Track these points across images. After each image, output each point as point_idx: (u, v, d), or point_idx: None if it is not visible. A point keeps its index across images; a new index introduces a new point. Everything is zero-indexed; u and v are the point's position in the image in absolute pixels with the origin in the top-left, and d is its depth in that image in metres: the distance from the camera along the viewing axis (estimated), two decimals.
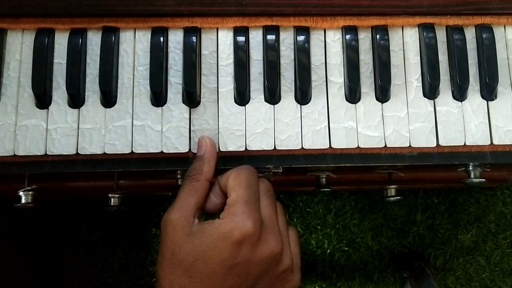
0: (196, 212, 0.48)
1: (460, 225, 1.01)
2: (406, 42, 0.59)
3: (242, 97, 0.57)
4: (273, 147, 0.56)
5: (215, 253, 0.45)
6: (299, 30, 0.58)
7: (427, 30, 0.58)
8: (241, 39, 0.57)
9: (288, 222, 0.54)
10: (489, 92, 0.57)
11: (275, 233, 0.47)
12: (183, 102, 0.56)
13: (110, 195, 0.62)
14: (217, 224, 0.46)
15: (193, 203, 0.48)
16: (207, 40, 0.58)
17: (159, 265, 0.48)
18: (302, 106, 0.57)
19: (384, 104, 0.57)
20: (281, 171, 0.56)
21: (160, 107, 0.56)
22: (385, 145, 0.56)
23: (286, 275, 0.49)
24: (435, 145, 0.57)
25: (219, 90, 0.57)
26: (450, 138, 0.57)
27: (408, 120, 0.57)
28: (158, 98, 0.56)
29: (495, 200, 1.02)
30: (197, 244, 0.46)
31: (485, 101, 0.58)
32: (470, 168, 0.58)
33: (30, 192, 0.59)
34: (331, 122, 0.57)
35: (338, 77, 0.58)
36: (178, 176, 0.58)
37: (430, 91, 0.57)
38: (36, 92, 0.55)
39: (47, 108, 0.56)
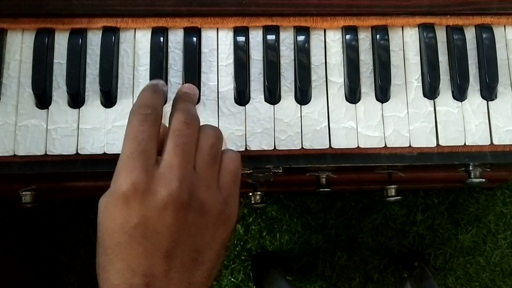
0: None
1: (460, 225, 1.01)
2: (406, 42, 0.59)
3: (242, 97, 0.57)
4: (273, 147, 0.56)
5: (111, 223, 0.41)
6: (299, 30, 0.58)
7: (427, 30, 0.58)
8: (241, 39, 0.57)
9: (215, 150, 0.45)
10: (489, 92, 0.57)
11: (170, 180, 0.41)
12: None
13: None
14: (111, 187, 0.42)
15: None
16: (207, 40, 0.58)
17: None
18: (302, 106, 0.57)
19: (384, 104, 0.57)
20: (281, 171, 0.56)
21: None
22: (385, 145, 0.56)
23: (207, 218, 0.43)
24: (435, 145, 0.57)
25: (219, 90, 0.57)
26: (450, 138, 0.57)
27: (408, 120, 0.57)
28: None
29: (495, 200, 1.02)
30: (104, 217, 0.42)
31: (485, 101, 0.58)
32: (470, 168, 0.58)
33: (30, 192, 0.59)
34: (331, 122, 0.57)
35: (338, 77, 0.58)
36: None
37: (430, 91, 0.57)
38: (36, 92, 0.55)
39: (47, 108, 0.56)
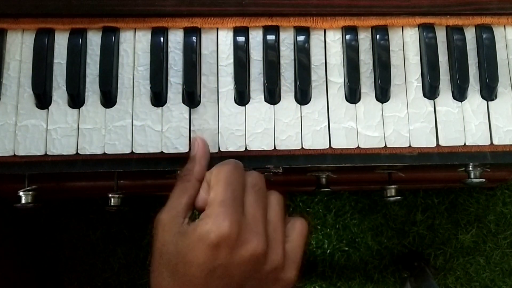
0: (186, 212, 0.47)
1: (460, 225, 1.01)
2: (406, 42, 0.59)
3: (242, 97, 0.57)
4: (273, 147, 0.56)
5: (193, 256, 0.44)
6: (299, 30, 0.58)
7: (427, 30, 0.58)
8: (241, 39, 0.57)
9: (285, 213, 0.49)
10: (489, 92, 0.57)
11: (257, 232, 0.45)
12: (183, 102, 0.56)
13: (110, 195, 0.62)
14: (195, 226, 0.45)
15: (183, 203, 0.48)
16: (207, 40, 0.58)
17: (151, 266, 0.47)
18: (302, 106, 0.57)
19: (384, 104, 0.57)
20: (281, 171, 0.56)
21: (160, 107, 0.56)
22: (385, 145, 0.56)
23: (276, 273, 0.47)
24: (435, 145, 0.57)
25: (219, 90, 0.57)
26: (450, 138, 0.57)
27: (408, 120, 0.57)
28: (158, 98, 0.56)
29: (495, 200, 1.02)
30: (180, 245, 0.45)
31: (485, 101, 0.58)
32: (470, 168, 0.58)
33: (30, 192, 0.59)
34: (331, 122, 0.57)
35: (338, 77, 0.58)
36: None
37: (430, 91, 0.57)
38: (36, 92, 0.55)
39: (47, 108, 0.56)
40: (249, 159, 0.56)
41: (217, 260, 0.44)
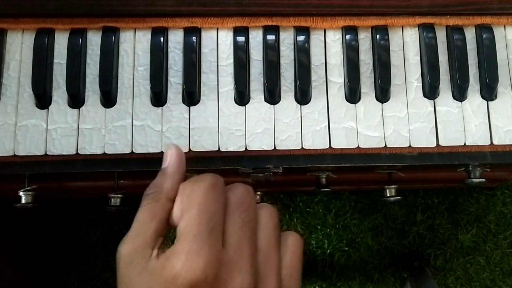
0: (155, 241, 0.38)
1: (460, 225, 1.01)
2: (406, 42, 0.59)
3: (242, 97, 0.57)
4: (273, 147, 0.56)
5: None
6: (299, 30, 0.58)
7: (427, 30, 0.58)
8: (241, 39, 0.57)
9: (279, 232, 0.40)
10: (489, 92, 0.57)
11: (241, 269, 0.36)
12: (183, 102, 0.56)
13: (110, 195, 0.62)
14: (163, 265, 0.36)
15: (151, 230, 0.38)
16: (207, 40, 0.58)
17: None
18: (302, 106, 0.57)
19: (384, 104, 0.57)
20: (281, 171, 0.56)
21: (160, 107, 0.56)
22: (385, 145, 0.56)
23: None
24: (435, 145, 0.57)
25: (219, 90, 0.57)
26: (450, 138, 0.57)
27: (408, 120, 0.57)
28: (158, 98, 0.56)
29: (495, 200, 1.02)
30: (145, 283, 0.37)
31: (485, 101, 0.58)
32: (470, 168, 0.58)
33: (30, 192, 0.59)
34: (331, 122, 0.57)
35: (338, 77, 0.58)
36: None
37: (430, 91, 0.57)
38: (36, 92, 0.55)
39: (47, 108, 0.56)
40: (249, 159, 0.56)
41: None
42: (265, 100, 0.57)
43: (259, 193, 0.62)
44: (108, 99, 0.56)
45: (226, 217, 0.38)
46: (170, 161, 0.41)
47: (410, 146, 0.57)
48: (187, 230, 0.36)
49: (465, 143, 0.57)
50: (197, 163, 0.55)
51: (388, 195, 0.65)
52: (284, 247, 0.40)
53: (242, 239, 0.37)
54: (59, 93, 0.56)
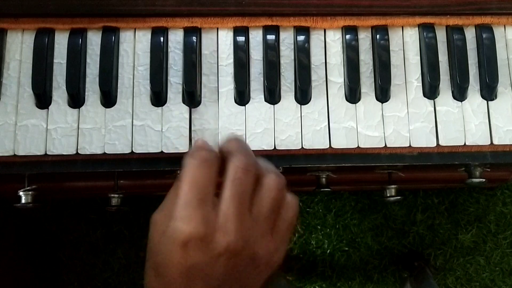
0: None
1: (460, 225, 1.01)
2: (406, 42, 0.59)
3: (242, 97, 0.57)
4: (273, 147, 0.56)
5: (169, 257, 0.43)
6: (299, 30, 0.58)
7: (427, 30, 0.58)
8: (241, 39, 0.57)
9: (280, 201, 0.45)
10: (489, 92, 0.57)
11: (228, 231, 0.42)
12: (183, 102, 0.56)
13: (110, 195, 0.62)
14: (169, 223, 0.43)
15: (174, 202, 0.45)
16: (207, 40, 0.58)
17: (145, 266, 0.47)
18: (302, 106, 0.57)
19: (384, 104, 0.57)
20: (281, 171, 0.56)
21: (160, 107, 0.56)
22: (385, 145, 0.56)
23: (256, 262, 0.44)
24: (435, 145, 0.57)
25: (219, 90, 0.57)
26: (450, 138, 0.57)
27: (408, 120, 0.57)
28: (158, 98, 0.56)
29: (495, 200, 1.02)
30: (162, 246, 0.44)
31: (485, 101, 0.58)
32: (470, 168, 0.58)
33: (30, 192, 0.59)
34: (331, 122, 0.57)
35: (338, 77, 0.58)
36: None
37: (430, 91, 0.57)
38: (36, 92, 0.55)
39: (47, 108, 0.56)
40: None
41: (189, 260, 0.42)
42: (265, 100, 0.57)
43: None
44: (108, 99, 0.56)
45: (222, 184, 0.43)
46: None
47: (410, 146, 0.57)
48: (180, 199, 0.43)
49: (465, 143, 0.57)
50: None
51: (388, 195, 0.65)
52: (279, 213, 0.45)
53: (230, 208, 0.43)
54: (59, 93, 0.56)
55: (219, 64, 0.57)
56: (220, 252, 0.42)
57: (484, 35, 0.58)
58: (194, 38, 0.57)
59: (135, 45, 0.57)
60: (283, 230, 0.46)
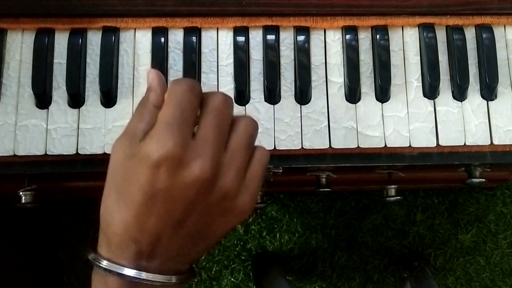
0: (143, 137, 0.44)
1: (460, 225, 1.01)
2: (406, 42, 0.59)
3: (242, 97, 0.57)
4: (273, 147, 0.56)
5: (136, 177, 0.42)
6: (299, 30, 0.58)
7: (427, 30, 0.58)
8: (241, 39, 0.57)
9: (252, 142, 0.46)
10: (489, 92, 0.57)
11: (203, 156, 0.42)
12: None
13: None
14: (140, 146, 0.43)
15: (140, 128, 0.44)
16: (207, 40, 0.58)
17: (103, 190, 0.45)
18: (302, 106, 0.57)
19: (384, 104, 0.57)
20: (281, 171, 0.56)
21: None
22: (385, 145, 0.56)
23: (227, 202, 0.44)
24: (435, 145, 0.57)
25: (219, 90, 0.57)
26: (450, 138, 0.57)
27: (408, 120, 0.57)
28: None
29: (495, 200, 1.02)
30: (126, 166, 0.43)
31: (485, 101, 0.58)
32: (470, 168, 0.58)
33: (30, 192, 0.59)
34: (331, 122, 0.57)
35: (338, 77, 0.58)
36: None
37: (430, 91, 0.57)
38: (36, 92, 0.55)
39: (47, 108, 0.56)
40: None
41: (158, 182, 0.41)
42: (265, 100, 0.57)
43: (259, 193, 0.62)
44: (108, 99, 0.56)
45: (200, 115, 0.44)
46: (151, 80, 0.48)
47: (410, 146, 0.57)
48: (162, 119, 0.42)
49: (465, 143, 0.57)
50: None
51: (388, 195, 0.65)
52: (252, 157, 0.46)
53: (209, 133, 0.43)
54: (59, 93, 0.56)
55: (219, 64, 0.57)
56: (192, 178, 0.41)
57: (484, 35, 0.58)
58: (194, 38, 0.57)
59: (135, 45, 0.58)
60: (255, 173, 0.45)
